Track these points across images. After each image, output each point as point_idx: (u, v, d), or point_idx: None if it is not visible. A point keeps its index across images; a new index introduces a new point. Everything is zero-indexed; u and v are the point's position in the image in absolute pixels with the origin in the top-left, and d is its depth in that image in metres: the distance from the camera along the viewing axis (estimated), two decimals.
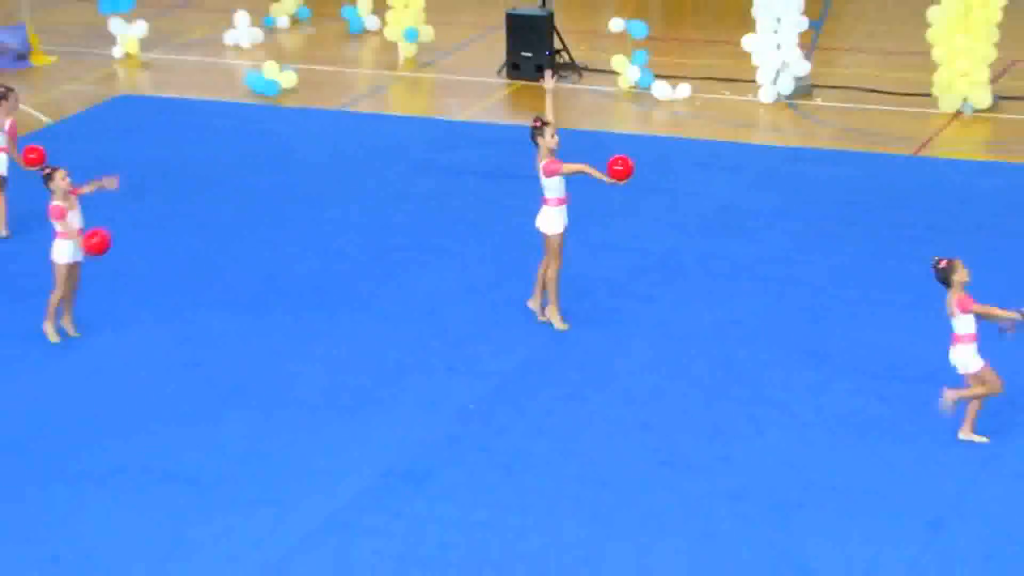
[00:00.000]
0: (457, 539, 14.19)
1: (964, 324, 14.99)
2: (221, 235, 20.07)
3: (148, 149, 21.56)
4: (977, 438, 15.43)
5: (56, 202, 17.04)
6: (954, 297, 14.91)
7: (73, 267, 17.32)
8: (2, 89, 20.58)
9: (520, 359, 17.27)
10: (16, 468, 15.32)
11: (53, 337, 17.59)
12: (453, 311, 18.36)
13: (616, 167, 17.10)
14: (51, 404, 16.48)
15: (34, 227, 19.79)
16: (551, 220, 17.27)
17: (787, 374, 16.92)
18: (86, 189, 17.22)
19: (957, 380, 15.40)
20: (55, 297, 17.43)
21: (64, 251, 17.22)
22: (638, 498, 14.78)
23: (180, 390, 16.72)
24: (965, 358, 15.08)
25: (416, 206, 21.24)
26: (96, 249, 16.98)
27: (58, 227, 17.17)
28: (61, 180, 17.03)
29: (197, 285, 18.78)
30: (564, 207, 17.23)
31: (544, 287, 17.66)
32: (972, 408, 15.35)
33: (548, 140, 16.98)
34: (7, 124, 20.13)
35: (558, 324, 17.70)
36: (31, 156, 19.55)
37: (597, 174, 17.08)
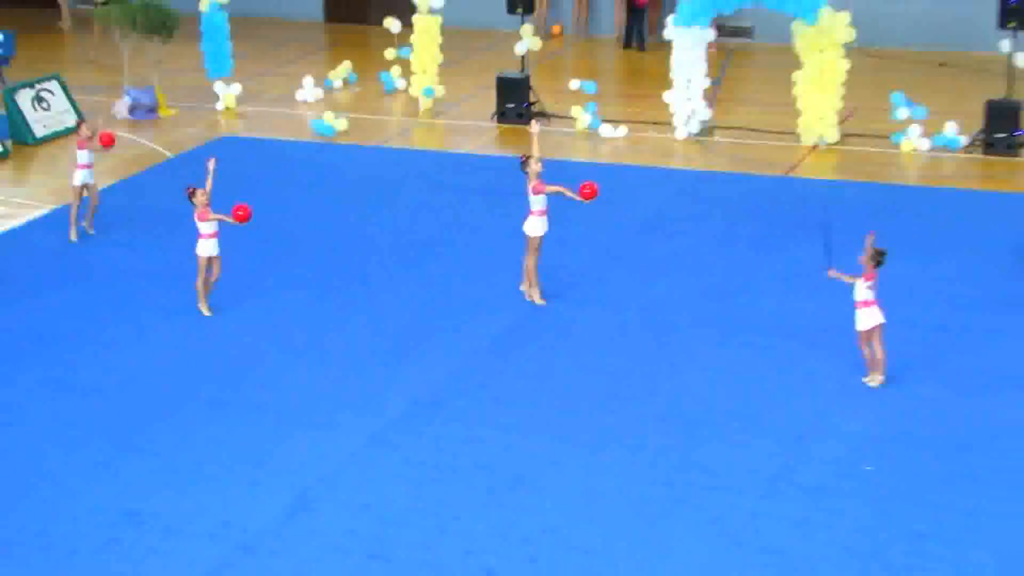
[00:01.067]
0: (463, 451, 14.25)
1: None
2: (293, 235, 20.06)
3: (242, 175, 21.49)
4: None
5: (201, 209, 17.03)
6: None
7: (212, 260, 17.27)
8: (78, 120, 20.70)
9: (508, 323, 17.27)
10: (151, 403, 15.37)
11: (207, 312, 17.53)
12: (460, 289, 18.34)
13: (585, 190, 17.23)
14: (180, 359, 16.51)
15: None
16: (534, 226, 17.30)
17: (699, 333, 16.94)
18: (212, 216, 17.12)
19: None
20: (199, 282, 17.39)
21: (205, 248, 17.20)
22: (591, 420, 14.82)
23: (264, 347, 16.75)
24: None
25: (432, 214, 21.22)
26: (242, 220, 17.01)
27: (200, 230, 17.15)
28: (201, 196, 17.02)
29: (274, 272, 18.76)
30: (544, 217, 17.23)
31: (532, 271, 17.66)
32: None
33: (534, 167, 17.04)
34: (80, 142, 19.84)
35: (538, 301, 17.66)
36: (105, 140, 19.63)
37: (571, 194, 17.14)
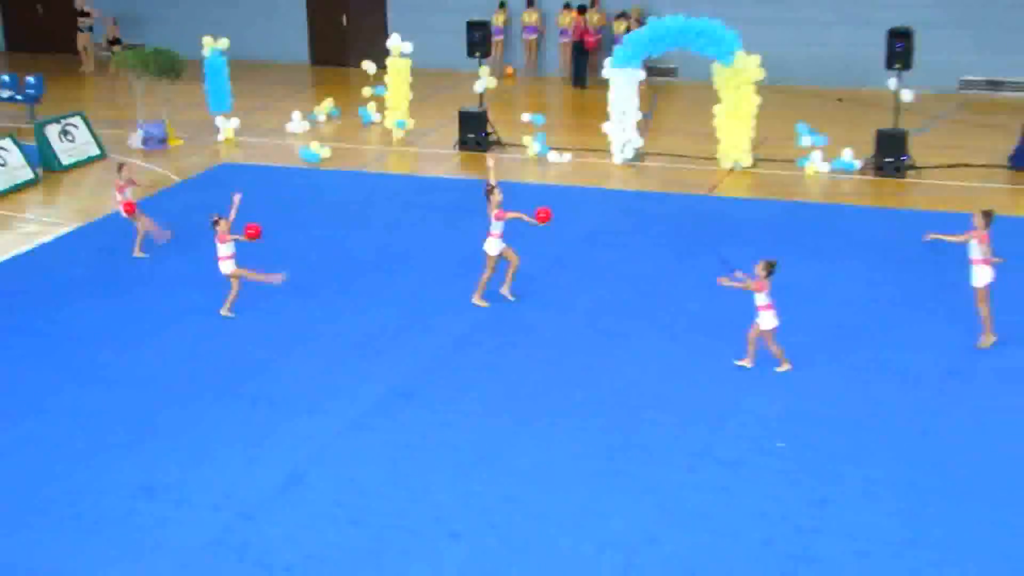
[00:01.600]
0: (432, 432, 14.26)
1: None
2: (284, 249, 19.93)
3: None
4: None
5: (221, 234, 17.13)
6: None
7: (234, 273, 17.34)
8: (119, 162, 20.46)
9: (471, 322, 17.27)
10: (163, 393, 15.37)
11: (227, 313, 17.61)
12: (428, 293, 18.32)
13: (540, 215, 17.34)
14: (188, 356, 16.51)
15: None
16: (492, 245, 17.37)
17: (634, 329, 16.99)
18: (230, 238, 17.24)
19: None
20: (232, 294, 17.47)
21: (226, 265, 17.28)
22: (542, 405, 14.86)
23: (260, 344, 16.72)
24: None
25: (405, 229, 21.20)
26: (252, 237, 17.14)
27: (220, 252, 17.23)
28: (224, 224, 17.12)
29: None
30: (500, 238, 17.32)
31: (484, 283, 17.72)
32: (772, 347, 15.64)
33: (496, 197, 17.17)
34: (119, 185, 19.72)
35: (477, 301, 17.71)
36: (128, 208, 19.45)
37: (528, 219, 17.26)
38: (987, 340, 16.12)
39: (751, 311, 15.55)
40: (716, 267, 17.87)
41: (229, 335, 17.03)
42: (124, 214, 19.67)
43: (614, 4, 31.47)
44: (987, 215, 15.92)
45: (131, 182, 19.79)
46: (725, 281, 15.51)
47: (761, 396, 15.01)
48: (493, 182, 17.38)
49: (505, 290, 17.84)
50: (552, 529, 12.39)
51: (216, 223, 17.18)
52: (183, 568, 11.96)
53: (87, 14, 34.29)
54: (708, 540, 12.19)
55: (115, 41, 32.87)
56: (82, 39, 34.34)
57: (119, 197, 19.63)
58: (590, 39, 31.39)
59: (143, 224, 19.85)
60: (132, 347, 16.72)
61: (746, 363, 15.66)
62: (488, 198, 17.30)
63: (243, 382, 15.62)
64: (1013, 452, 13.69)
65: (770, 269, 15.24)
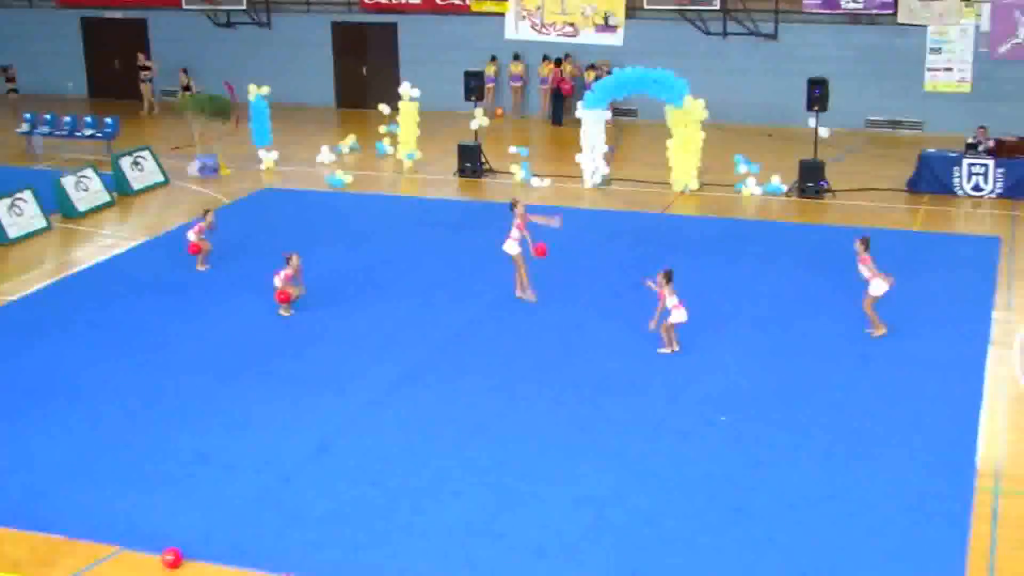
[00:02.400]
0: (437, 408, 14.23)
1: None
2: (314, 257, 19.74)
3: (278, 216, 21.33)
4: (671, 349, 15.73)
5: (288, 271, 17.12)
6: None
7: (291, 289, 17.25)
8: (205, 208, 19.96)
9: (469, 316, 17.22)
10: (213, 375, 15.27)
11: (286, 312, 17.34)
12: (432, 292, 18.25)
13: (537, 251, 17.50)
14: (234, 344, 16.43)
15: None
16: (510, 246, 17.43)
17: (603, 323, 16.95)
18: (290, 290, 17.15)
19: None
20: (287, 298, 17.24)
21: (277, 281, 17.15)
22: (529, 385, 14.85)
23: (293, 335, 16.63)
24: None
25: (416, 241, 21.10)
26: (283, 300, 17.02)
27: (283, 275, 17.14)
28: (295, 261, 17.07)
29: (309, 283, 18.52)
30: (518, 242, 17.39)
31: (523, 280, 17.77)
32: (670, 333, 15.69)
33: (518, 210, 17.33)
34: (205, 224, 19.34)
35: (520, 295, 17.75)
36: (192, 250, 19.10)
37: (541, 221, 17.50)
38: (878, 331, 16.16)
39: (691, 309, 15.56)
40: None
41: (267, 328, 16.93)
42: (190, 252, 19.38)
43: (586, 57, 31.43)
44: (864, 242, 16.05)
45: (211, 225, 19.47)
46: (649, 283, 15.58)
47: (707, 378, 14.97)
48: (522, 201, 17.59)
49: (526, 293, 17.74)
50: (537, 488, 12.35)
51: (288, 259, 17.11)
52: (234, 520, 11.89)
53: (148, 67, 34.19)
54: (664, 496, 12.17)
55: (187, 87, 32.70)
56: (145, 88, 34.20)
57: (195, 238, 19.35)
58: (565, 86, 31.38)
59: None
60: (187, 338, 16.61)
61: (668, 350, 15.60)
62: (512, 211, 17.42)
63: (280, 367, 15.53)
64: (909, 420, 13.71)
65: (668, 276, 15.41)
